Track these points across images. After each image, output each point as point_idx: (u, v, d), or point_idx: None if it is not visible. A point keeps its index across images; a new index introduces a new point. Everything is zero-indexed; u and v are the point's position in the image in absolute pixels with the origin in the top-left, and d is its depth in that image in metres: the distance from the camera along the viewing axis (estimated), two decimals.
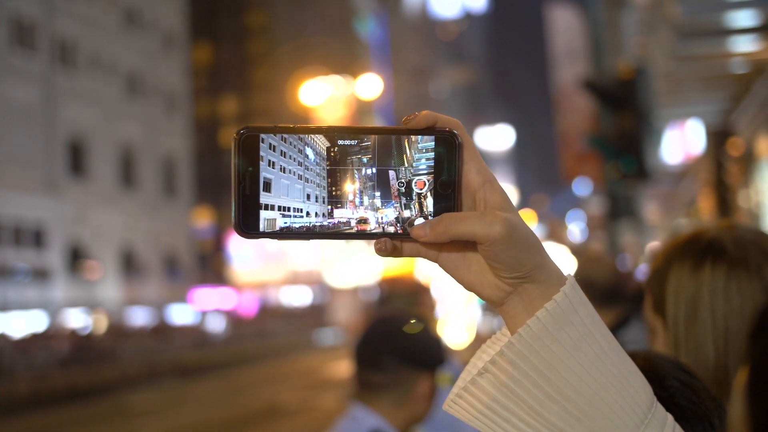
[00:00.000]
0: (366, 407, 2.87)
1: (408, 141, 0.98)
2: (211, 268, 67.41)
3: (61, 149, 44.42)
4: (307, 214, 0.99)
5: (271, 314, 55.12)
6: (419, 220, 0.98)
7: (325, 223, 0.99)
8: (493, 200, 0.96)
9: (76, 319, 38.90)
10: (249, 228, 0.98)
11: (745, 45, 12.95)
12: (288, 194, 0.98)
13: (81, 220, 45.06)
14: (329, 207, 0.99)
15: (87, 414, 21.27)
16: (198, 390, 25.64)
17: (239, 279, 65.49)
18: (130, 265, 50.03)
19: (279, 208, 0.98)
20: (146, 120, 52.80)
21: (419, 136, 0.98)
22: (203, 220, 71.16)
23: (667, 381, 1.21)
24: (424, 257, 0.99)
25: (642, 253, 17.53)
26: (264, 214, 0.98)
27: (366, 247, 46.82)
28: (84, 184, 46.23)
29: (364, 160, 0.98)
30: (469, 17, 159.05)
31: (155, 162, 53.92)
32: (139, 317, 43.87)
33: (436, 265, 0.99)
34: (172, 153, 56.16)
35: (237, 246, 66.19)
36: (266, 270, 66.43)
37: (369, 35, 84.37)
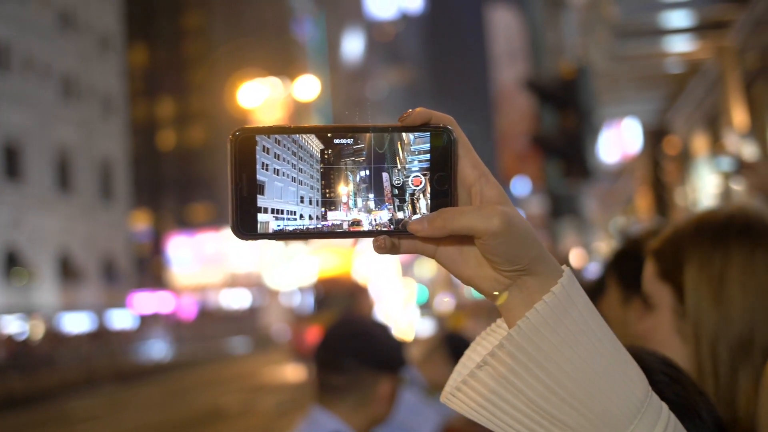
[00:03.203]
0: (326, 410, 2.85)
1: (401, 140, 0.98)
2: (150, 271, 66.83)
3: None
4: (301, 216, 0.98)
5: (210, 317, 54.82)
6: (416, 218, 0.98)
7: (319, 226, 0.99)
8: (489, 194, 0.97)
9: (12, 326, 38.25)
10: (247, 230, 0.98)
11: (680, 45, 13.16)
12: (282, 197, 0.98)
13: (16, 225, 44.31)
14: (323, 209, 0.98)
15: (25, 421, 20.97)
16: (139, 395, 25.41)
17: (178, 282, 65.01)
18: (67, 269, 49.31)
19: (273, 211, 0.98)
20: (82, 123, 52.05)
21: (412, 135, 0.98)
22: (141, 223, 70.50)
23: (654, 376, 1.22)
24: (422, 253, 1.00)
25: (590, 251, 17.69)
26: (259, 217, 0.98)
27: (306, 248, 46.70)
28: (19, 188, 45.46)
29: (358, 161, 0.98)
30: (405, 18, 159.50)
31: (92, 165, 53.20)
32: (77, 322, 43.27)
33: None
34: (109, 156, 55.47)
35: (175, 249, 65.70)
36: (205, 273, 66.00)
37: (306, 37, 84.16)
